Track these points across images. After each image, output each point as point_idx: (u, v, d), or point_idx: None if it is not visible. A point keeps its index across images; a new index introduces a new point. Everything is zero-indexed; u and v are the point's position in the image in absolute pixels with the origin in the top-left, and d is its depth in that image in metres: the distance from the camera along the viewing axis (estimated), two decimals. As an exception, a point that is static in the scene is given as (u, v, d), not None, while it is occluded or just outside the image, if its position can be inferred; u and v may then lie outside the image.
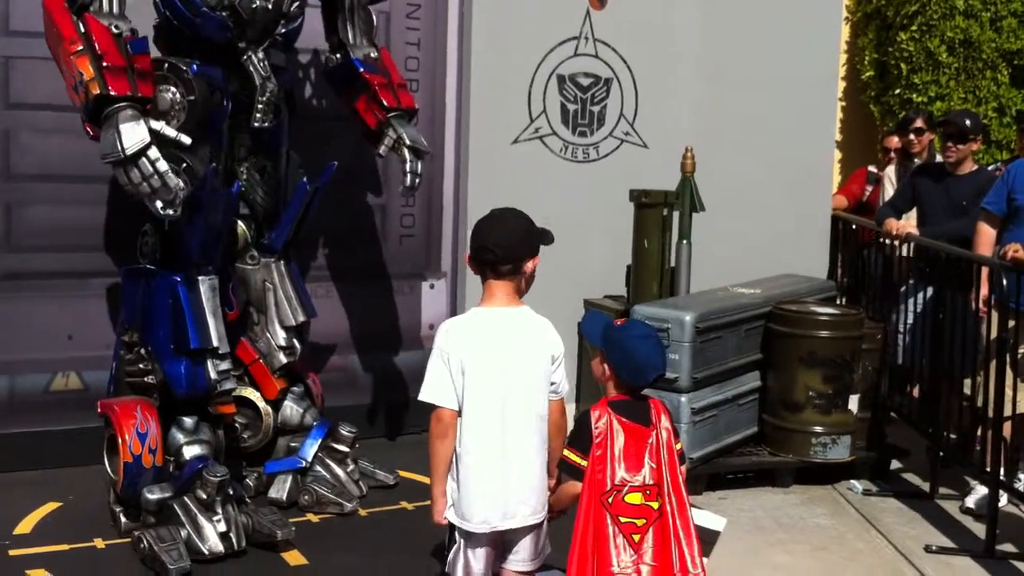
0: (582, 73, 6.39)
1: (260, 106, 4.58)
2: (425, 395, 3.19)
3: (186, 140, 4.20)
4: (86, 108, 4.02)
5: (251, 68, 4.52)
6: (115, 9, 4.15)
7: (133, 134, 3.92)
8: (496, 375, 3.17)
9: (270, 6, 4.51)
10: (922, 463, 5.82)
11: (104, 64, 3.98)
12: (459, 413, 3.19)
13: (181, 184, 4.06)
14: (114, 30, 4.08)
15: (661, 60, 6.53)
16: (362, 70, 5.02)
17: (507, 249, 3.23)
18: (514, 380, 3.19)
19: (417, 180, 5.05)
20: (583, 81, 6.40)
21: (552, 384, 3.29)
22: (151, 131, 3.98)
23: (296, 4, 4.65)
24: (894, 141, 7.19)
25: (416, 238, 6.26)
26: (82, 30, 4.04)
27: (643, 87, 6.52)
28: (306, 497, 4.95)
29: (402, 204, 6.17)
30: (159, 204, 4.00)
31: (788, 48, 6.85)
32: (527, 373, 3.21)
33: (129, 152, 3.90)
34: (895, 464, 5.97)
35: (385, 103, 5.03)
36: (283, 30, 4.64)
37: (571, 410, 6.03)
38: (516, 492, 3.20)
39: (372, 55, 5.09)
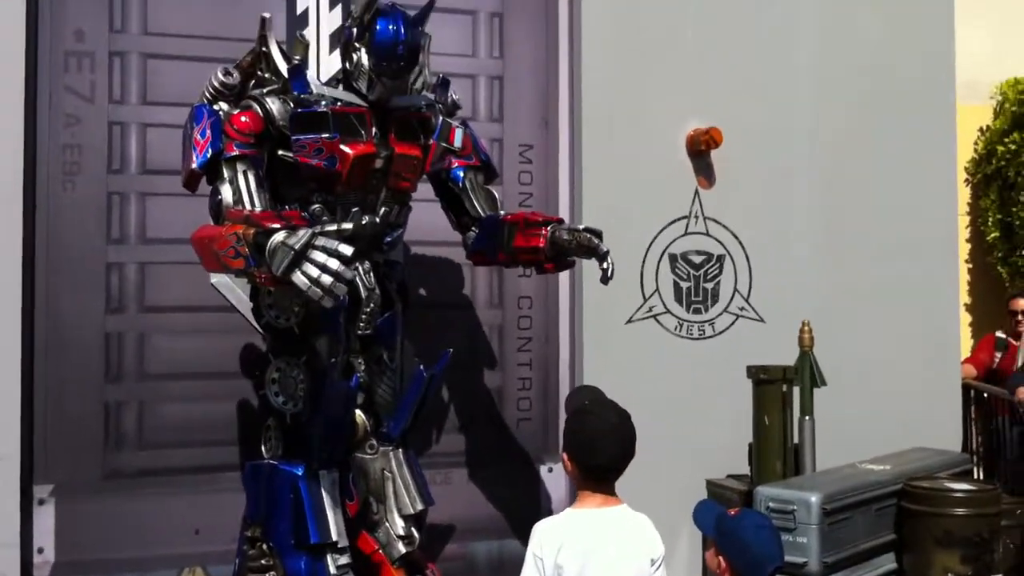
0: (694, 251, 6.44)
1: (364, 316, 4.72)
2: None
3: (348, 226, 4.25)
4: (252, 258, 3.93)
5: (356, 281, 4.65)
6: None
7: (296, 236, 3.83)
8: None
9: (378, 220, 4.69)
10: (1078, 648, 5.45)
11: (255, 215, 4.09)
12: None
13: (351, 251, 3.91)
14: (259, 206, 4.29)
15: (774, 235, 6.54)
16: (504, 213, 5.04)
17: (620, 457, 3.19)
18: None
19: (611, 259, 4.75)
20: (695, 259, 6.44)
21: (652, 583, 3.20)
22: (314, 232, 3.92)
23: (403, 213, 4.83)
24: (1021, 304, 6.99)
25: (533, 422, 6.27)
26: (228, 221, 4.22)
27: (756, 262, 6.52)
28: None
29: (518, 388, 6.22)
30: (340, 288, 3.84)
31: (907, 215, 6.79)
32: (627, 576, 3.14)
33: (298, 245, 3.78)
34: (1048, 649, 5.61)
35: (541, 219, 4.94)
36: (388, 239, 4.81)
37: (698, 596, 5.90)
38: None
39: (500, 210, 5.13)
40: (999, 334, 7.30)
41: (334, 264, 3.79)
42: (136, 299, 5.54)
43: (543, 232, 4.85)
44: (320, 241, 3.83)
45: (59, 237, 5.41)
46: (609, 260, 4.70)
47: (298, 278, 3.81)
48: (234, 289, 5.50)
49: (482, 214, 5.12)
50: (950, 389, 6.81)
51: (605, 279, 4.75)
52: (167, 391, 5.55)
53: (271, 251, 3.86)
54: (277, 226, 3.91)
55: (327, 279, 3.78)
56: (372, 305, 4.72)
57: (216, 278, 5.47)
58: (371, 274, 4.74)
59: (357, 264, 4.61)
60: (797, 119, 6.66)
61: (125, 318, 5.51)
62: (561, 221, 5.02)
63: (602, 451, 3.17)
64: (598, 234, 4.76)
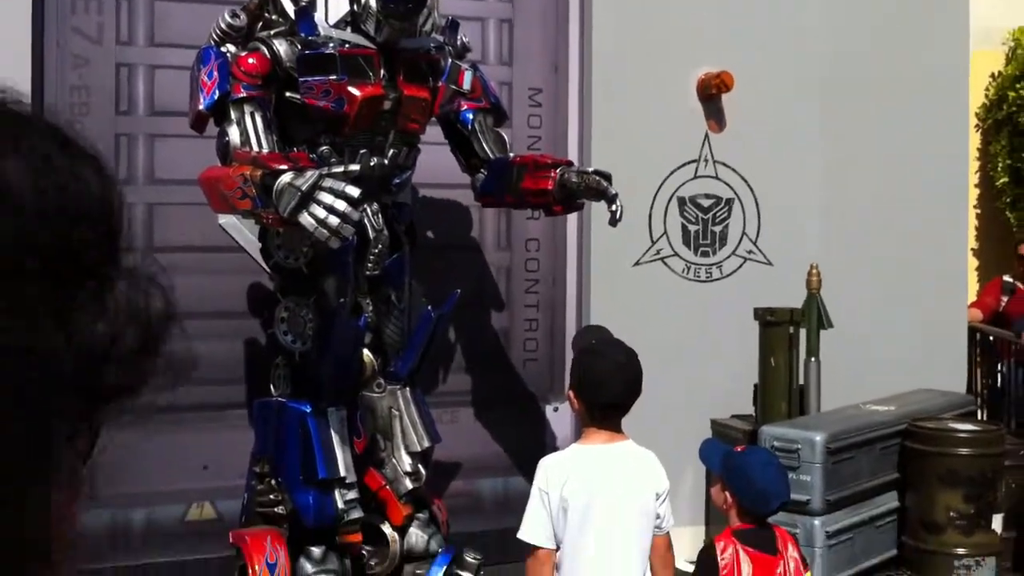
0: (703, 195, 6.44)
1: (372, 257, 4.74)
2: (522, 533, 3.18)
3: (354, 167, 4.21)
4: (259, 199, 3.92)
5: (364, 222, 4.63)
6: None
7: (303, 177, 3.80)
8: (599, 514, 3.14)
9: (387, 161, 4.69)
10: (1077, 587, 5.52)
11: (262, 156, 4.07)
12: (558, 548, 3.16)
13: (359, 192, 3.89)
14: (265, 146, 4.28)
15: (783, 178, 6.54)
16: (513, 155, 5.05)
17: (628, 393, 3.21)
18: (617, 518, 3.16)
19: (620, 201, 4.73)
20: (704, 202, 6.44)
21: (657, 519, 3.23)
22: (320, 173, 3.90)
23: (411, 155, 4.82)
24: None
25: (539, 362, 6.32)
26: (235, 162, 4.21)
27: (765, 205, 6.52)
28: (430, 626, 4.95)
29: (525, 329, 6.26)
30: (347, 229, 3.83)
31: (916, 159, 6.78)
32: (631, 511, 3.17)
33: (305, 187, 3.75)
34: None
35: (550, 161, 4.94)
36: (397, 180, 4.81)
37: (700, 533, 5.97)
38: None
39: (508, 153, 5.13)
40: (1006, 278, 7.30)
41: (341, 206, 3.77)
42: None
43: (552, 174, 4.84)
44: (327, 182, 3.80)
45: (68, 178, 5.42)
46: (618, 203, 4.68)
47: (305, 219, 3.79)
48: (242, 230, 5.52)
49: (491, 156, 5.11)
50: (956, 332, 6.84)
51: (613, 221, 4.75)
52: (176, 330, 5.57)
53: (278, 192, 3.84)
54: (284, 167, 3.89)
55: (334, 220, 3.76)
56: (380, 246, 4.73)
57: (224, 219, 5.49)
58: (379, 215, 4.75)
59: (365, 205, 4.61)
60: (808, 63, 6.63)
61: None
62: (570, 164, 5.02)
63: (608, 389, 3.19)
64: (607, 176, 4.75)
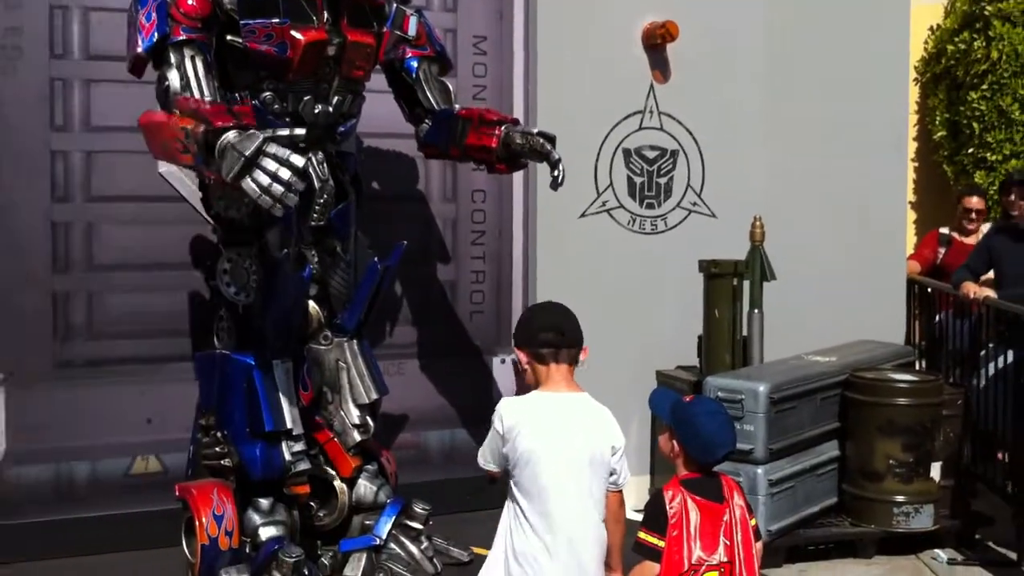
0: (648, 146, 6.43)
1: (318, 207, 4.67)
2: (480, 458, 3.23)
3: (300, 132, 4.15)
4: (201, 156, 3.86)
5: (310, 171, 4.55)
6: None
7: (249, 140, 3.73)
8: (554, 459, 3.15)
9: (331, 109, 4.61)
10: (1008, 531, 5.66)
11: (204, 109, 3.96)
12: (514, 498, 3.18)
13: (306, 165, 3.87)
14: (208, 97, 4.20)
15: (727, 130, 6.56)
16: (459, 108, 5.01)
17: (572, 332, 3.24)
18: (573, 464, 3.17)
19: (563, 166, 4.77)
20: (649, 154, 6.44)
21: (612, 475, 3.25)
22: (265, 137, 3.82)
23: (356, 103, 4.75)
24: (973, 201, 7.07)
25: (486, 314, 6.30)
26: (176, 110, 4.12)
27: (709, 157, 6.54)
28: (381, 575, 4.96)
29: (472, 281, 6.24)
30: (291, 198, 3.78)
31: (856, 111, 6.84)
32: (586, 461, 3.19)
33: (250, 152, 3.69)
34: (980, 533, 5.81)
35: (495, 118, 4.92)
36: (342, 129, 4.74)
37: (646, 482, 6.03)
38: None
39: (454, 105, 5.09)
40: (943, 230, 7.40)
41: (285, 174, 3.69)
42: (82, 188, 5.44)
43: (497, 132, 4.82)
44: (271, 148, 3.72)
45: (1, 124, 5.27)
46: (560, 167, 4.69)
47: (248, 185, 3.71)
48: (183, 179, 5.44)
49: (435, 106, 5.05)
50: (895, 283, 6.94)
51: (555, 185, 4.76)
52: (116, 282, 5.48)
53: (220, 152, 3.74)
54: (228, 125, 3.78)
55: (278, 188, 3.69)
56: (326, 196, 4.67)
57: (164, 167, 5.40)
58: (324, 165, 4.68)
59: (311, 154, 4.55)
60: (751, 13, 6.63)
61: (72, 207, 5.41)
62: (516, 122, 4.98)
63: (540, 321, 3.25)
64: (551, 139, 4.74)
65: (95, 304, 5.46)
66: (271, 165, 3.68)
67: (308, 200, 4.65)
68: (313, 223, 4.68)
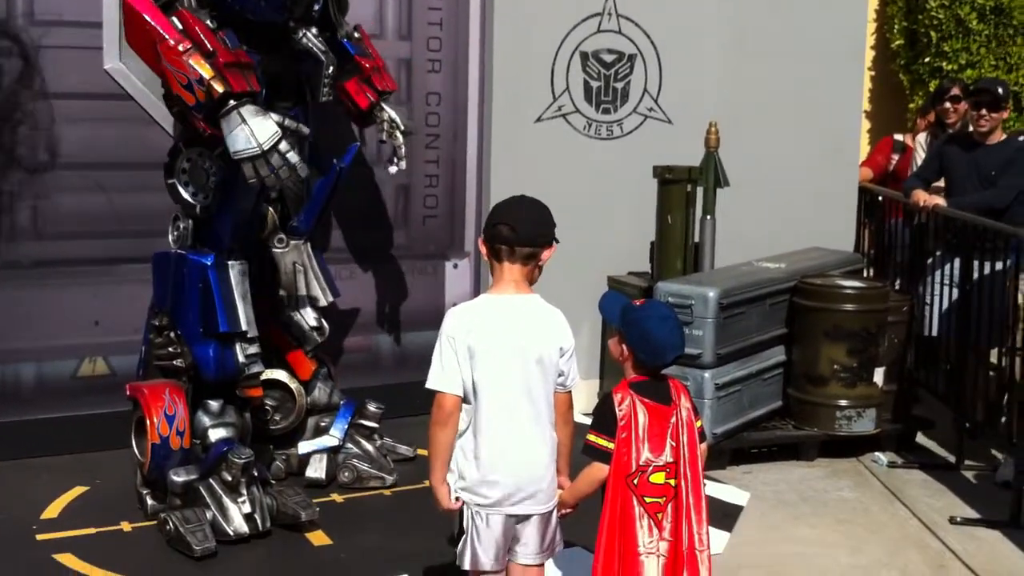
0: (605, 50, 6.37)
1: (327, 80, 4.72)
2: (430, 382, 3.17)
3: (306, 130, 4.47)
4: (201, 106, 4.06)
5: (311, 46, 4.63)
6: (194, 3, 4.24)
7: (264, 129, 4.02)
8: (506, 362, 3.16)
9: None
10: (948, 435, 5.81)
11: (221, 62, 4.07)
12: (464, 399, 3.18)
13: (307, 171, 4.32)
14: (210, 24, 4.19)
15: (685, 35, 6.50)
16: (354, 53, 5.07)
17: (527, 229, 3.19)
18: (523, 368, 3.18)
19: (404, 163, 5.31)
20: (606, 58, 6.38)
21: (560, 376, 3.27)
22: (278, 124, 4.10)
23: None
24: (931, 116, 7.09)
25: (439, 219, 6.29)
26: (180, 27, 4.11)
27: (667, 62, 6.49)
28: (346, 474, 5.03)
29: (425, 185, 6.21)
30: (271, 184, 4.18)
31: (814, 18, 6.79)
32: (536, 361, 3.19)
33: (266, 146, 4.01)
34: (921, 436, 5.97)
35: (378, 87, 5.15)
36: (317, 6, 4.66)
37: (595, 386, 6.11)
38: (524, 476, 3.20)
39: (356, 36, 5.13)
40: (897, 137, 7.43)
41: (285, 173, 4.06)
42: (27, 83, 5.30)
43: (371, 97, 5.15)
44: (283, 147, 4.04)
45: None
46: (401, 165, 5.24)
47: (248, 169, 4.05)
48: (129, 76, 5.33)
49: (335, 20, 4.99)
50: (847, 191, 6.98)
51: (388, 166, 5.29)
52: (65, 181, 5.39)
53: (230, 123, 4.04)
54: (243, 92, 4.06)
55: (272, 180, 4.08)
56: (332, 68, 4.74)
57: (111, 64, 5.29)
58: (320, 37, 4.69)
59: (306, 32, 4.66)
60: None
61: (16, 103, 5.28)
62: (394, 90, 5.26)
63: (504, 214, 3.20)
64: (408, 133, 5.24)
65: (41, 204, 5.38)
66: (276, 161, 4.04)
67: (278, 83, 4.64)
68: (323, 99, 4.83)
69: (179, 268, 4.50)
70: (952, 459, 5.57)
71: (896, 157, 7.25)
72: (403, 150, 5.23)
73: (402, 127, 5.20)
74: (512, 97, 6.17)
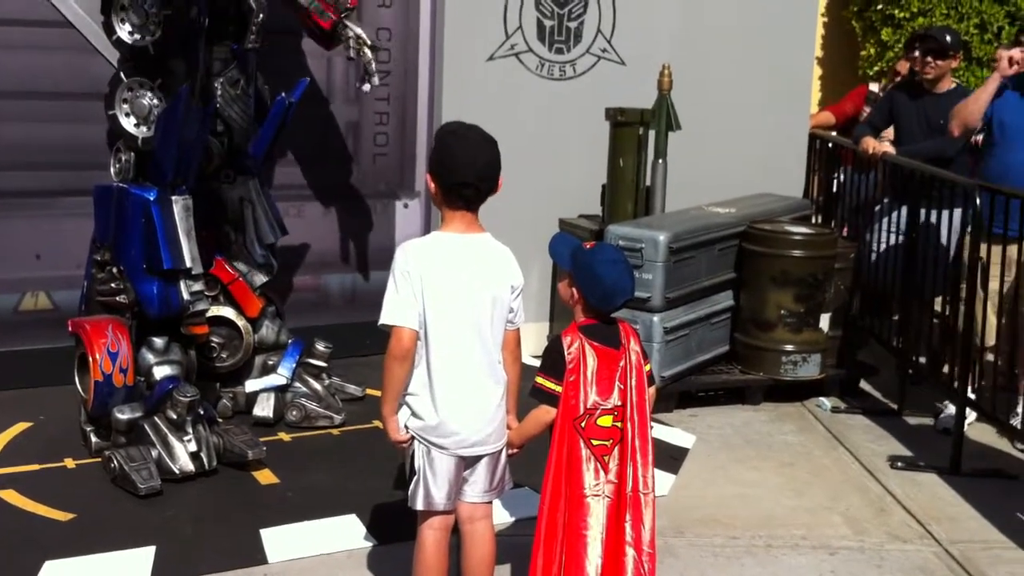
0: (559, -12, 6.30)
1: (254, 27, 4.59)
2: (385, 318, 3.13)
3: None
4: None
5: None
6: None
7: None
8: (457, 298, 3.13)
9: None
10: (892, 381, 5.90)
11: None
12: (418, 336, 3.15)
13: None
14: None
15: (639, -26, 6.44)
16: None
17: (489, 185, 3.16)
18: (475, 305, 3.16)
19: (376, 79, 5.15)
20: (560, -4, 6.31)
21: (510, 313, 3.26)
22: None
23: None
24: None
25: (389, 157, 6.21)
26: None
27: (621, 3, 6.42)
28: (295, 413, 5.00)
29: (375, 123, 6.13)
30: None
31: (769, -37, 6.76)
32: (487, 299, 3.17)
33: None
34: (864, 383, 6.05)
35: (339, 5, 5.00)
36: None
37: (545, 329, 6.11)
38: (477, 416, 3.19)
39: None
40: (873, 87, 7.40)
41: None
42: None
43: (334, 17, 4.98)
44: None
45: None
46: (374, 81, 5.11)
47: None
48: (69, 3, 5.18)
49: None
50: (798, 138, 6.99)
51: (360, 85, 5.18)
52: (4, 111, 5.24)
53: None
54: None
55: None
56: (263, 16, 4.61)
57: (49, -11, 5.13)
58: None
59: None
60: None
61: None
62: (352, 9, 5.08)
63: (463, 167, 3.14)
64: (375, 49, 5.11)
65: (-19, 134, 5.24)
66: None
67: (224, 15, 4.57)
68: (250, 46, 4.67)
69: (121, 202, 4.41)
70: (895, 406, 5.66)
71: (868, 109, 7.20)
72: (374, 65, 5.07)
73: (369, 42, 5.05)
74: (464, 35, 6.09)
